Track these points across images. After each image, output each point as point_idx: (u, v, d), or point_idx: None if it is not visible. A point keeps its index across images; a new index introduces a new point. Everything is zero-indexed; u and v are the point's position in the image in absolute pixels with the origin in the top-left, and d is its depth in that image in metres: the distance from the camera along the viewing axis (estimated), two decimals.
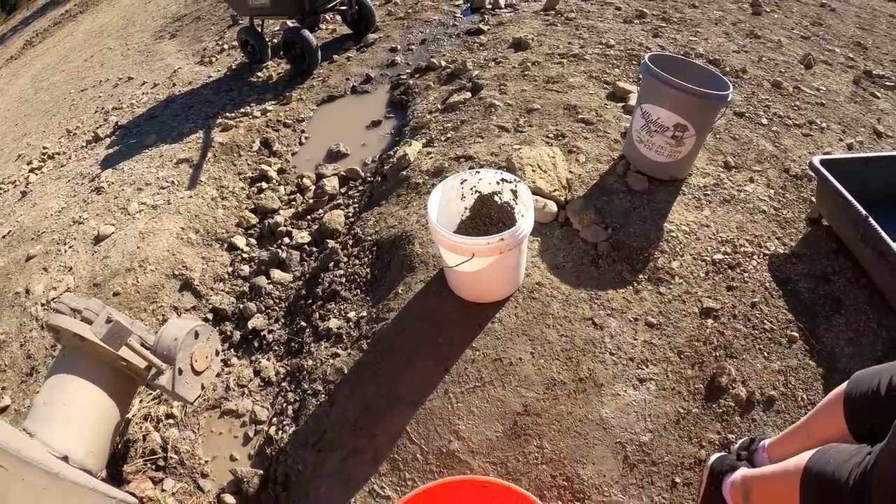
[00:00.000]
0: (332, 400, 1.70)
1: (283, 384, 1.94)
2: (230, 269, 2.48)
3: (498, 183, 1.70)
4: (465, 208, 1.74)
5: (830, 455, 0.93)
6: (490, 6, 3.91)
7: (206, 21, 5.32)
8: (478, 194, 1.73)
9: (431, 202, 1.59)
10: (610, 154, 2.30)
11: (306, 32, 3.47)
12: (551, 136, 2.40)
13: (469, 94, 2.81)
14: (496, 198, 1.70)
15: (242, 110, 3.38)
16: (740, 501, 1.22)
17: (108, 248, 2.50)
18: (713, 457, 1.40)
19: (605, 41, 3.17)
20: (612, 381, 1.58)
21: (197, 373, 1.50)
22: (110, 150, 3.38)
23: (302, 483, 1.62)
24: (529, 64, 2.99)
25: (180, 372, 1.46)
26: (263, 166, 2.93)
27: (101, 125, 3.81)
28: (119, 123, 3.71)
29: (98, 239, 2.56)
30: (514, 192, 1.67)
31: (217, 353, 1.64)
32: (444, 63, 3.27)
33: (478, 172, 1.72)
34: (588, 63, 2.98)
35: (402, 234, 2.10)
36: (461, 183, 1.72)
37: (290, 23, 3.92)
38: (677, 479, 1.42)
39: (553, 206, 1.97)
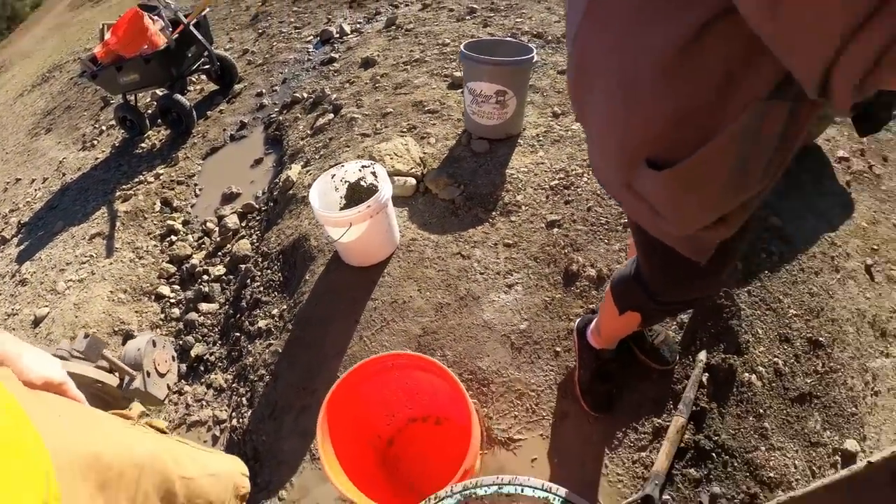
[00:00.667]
0: (276, 377, 2.07)
1: (234, 385, 2.28)
2: (163, 314, 2.77)
3: (360, 170, 2.14)
4: (341, 197, 2.17)
5: (624, 265, 1.35)
6: (338, 35, 4.37)
7: (77, 109, 5.47)
8: (347, 183, 2.16)
9: (312, 197, 2.01)
10: (455, 132, 2.79)
11: (178, 96, 3.79)
12: (405, 129, 2.88)
13: (332, 115, 3.25)
14: (362, 182, 2.14)
15: (137, 179, 3.65)
16: (596, 337, 1.68)
17: (49, 326, 2.74)
18: (577, 321, 1.88)
19: (442, 41, 3.69)
20: (487, 292, 2.05)
21: (161, 375, 1.83)
22: (21, 247, 3.56)
23: (268, 450, 1.97)
24: (379, 77, 3.47)
25: (148, 374, 1.79)
26: (169, 222, 3.23)
27: (3, 228, 3.95)
28: (21, 222, 3.87)
29: (36, 321, 2.78)
30: (374, 174, 2.11)
31: (173, 359, 1.98)
32: (305, 95, 3.69)
33: (342, 166, 2.15)
34: (429, 64, 3.48)
35: (299, 236, 2.50)
36: (332, 177, 2.15)
37: (160, 91, 4.22)
38: (558, 349, 1.89)
39: (412, 181, 2.43)
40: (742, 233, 0.93)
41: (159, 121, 4.11)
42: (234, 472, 1.35)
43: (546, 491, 1.07)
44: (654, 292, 1.17)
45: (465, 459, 1.25)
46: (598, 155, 0.92)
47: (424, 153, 2.64)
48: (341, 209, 2.14)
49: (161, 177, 3.62)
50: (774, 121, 0.70)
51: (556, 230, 2.19)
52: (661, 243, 0.97)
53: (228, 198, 3.28)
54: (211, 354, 2.48)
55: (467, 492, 1.12)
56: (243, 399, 2.15)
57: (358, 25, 4.45)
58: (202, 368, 2.48)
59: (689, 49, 0.65)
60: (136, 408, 1.87)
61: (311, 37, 4.63)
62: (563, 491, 1.08)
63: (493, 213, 2.30)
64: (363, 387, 1.53)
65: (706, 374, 1.69)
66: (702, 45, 0.65)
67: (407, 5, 4.47)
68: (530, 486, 1.10)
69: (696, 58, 0.66)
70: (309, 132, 3.28)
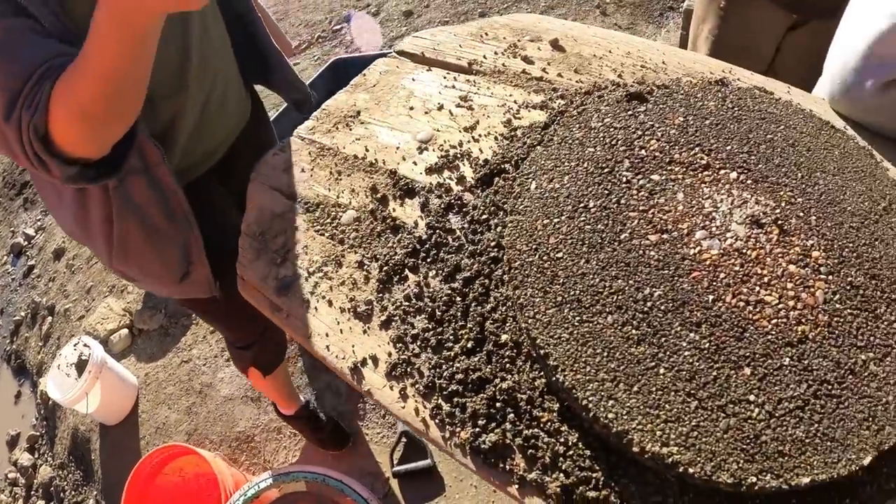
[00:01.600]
0: None
1: None
2: None
3: (74, 349, 2.52)
4: (75, 379, 2.54)
5: None
6: (26, 242, 4.53)
7: None
8: (73, 365, 2.53)
9: (50, 392, 2.37)
10: None
11: None
12: (107, 293, 3.25)
13: (50, 318, 3.51)
14: (83, 357, 2.53)
15: None
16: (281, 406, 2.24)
17: None
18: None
19: None
20: (215, 374, 2.55)
21: None
22: None
23: None
24: (71, 260, 3.76)
25: None
26: None
27: None
28: None
29: None
30: (86, 345, 2.51)
31: None
32: (23, 314, 3.88)
33: (61, 354, 2.52)
34: None
35: (73, 431, 2.82)
36: (59, 368, 2.51)
37: None
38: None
39: (125, 332, 2.85)
40: None
41: None
42: None
43: (323, 475, 1.60)
44: (229, 342, 1.71)
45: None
46: None
47: (128, 303, 3.05)
48: None
49: None
50: None
51: None
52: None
53: (12, 442, 3.45)
54: None
55: (249, 491, 1.62)
56: None
57: (39, 222, 4.63)
58: None
59: None
60: None
61: (5, 256, 4.73)
62: (335, 474, 1.61)
63: None
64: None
65: None
66: None
67: None
68: (308, 472, 1.62)
69: None
70: (41, 344, 3.53)
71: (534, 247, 0.89)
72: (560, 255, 0.87)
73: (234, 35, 1.19)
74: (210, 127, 1.17)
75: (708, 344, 0.77)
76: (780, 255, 0.84)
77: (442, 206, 1.04)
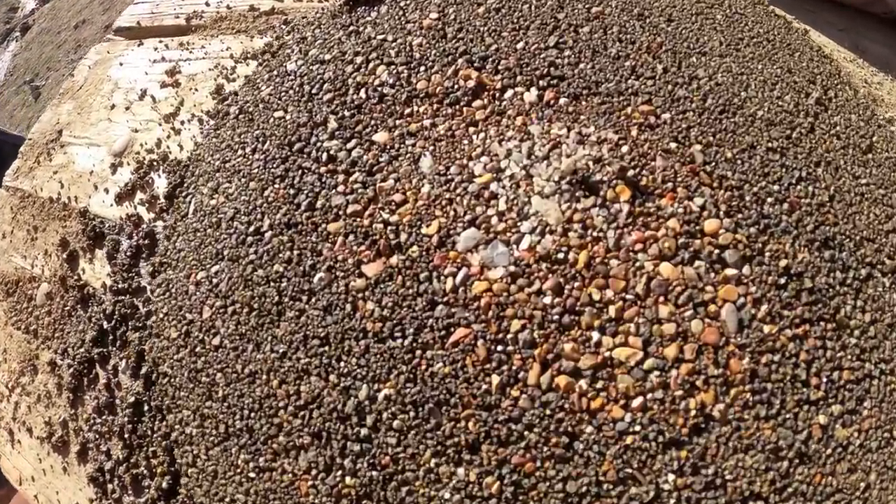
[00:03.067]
0: None
1: None
2: None
3: None
4: None
5: None
6: None
7: None
8: None
9: None
10: None
11: None
12: None
13: None
14: None
15: None
16: None
17: None
18: None
19: None
20: None
21: None
22: None
23: None
24: None
25: None
26: None
27: None
28: None
29: None
30: None
31: None
32: None
33: None
34: None
35: None
36: None
37: None
38: None
39: None
40: None
41: None
42: None
43: None
44: None
45: None
46: None
47: None
48: None
49: None
50: None
51: None
52: None
53: None
54: None
55: None
56: None
57: None
58: None
59: None
60: None
61: None
62: None
63: None
64: None
65: None
66: None
67: None
68: None
69: None
70: None
71: (184, 330, 0.53)
72: (218, 339, 0.51)
73: None
74: None
75: (497, 486, 0.41)
76: (636, 250, 0.45)
77: (130, 251, 0.69)
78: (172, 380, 0.54)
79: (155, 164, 0.74)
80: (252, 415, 0.48)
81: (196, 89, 0.78)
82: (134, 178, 0.75)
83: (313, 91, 0.58)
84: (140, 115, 0.81)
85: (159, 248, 0.62)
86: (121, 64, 0.89)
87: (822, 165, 0.49)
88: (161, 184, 0.72)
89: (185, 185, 0.62)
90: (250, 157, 0.57)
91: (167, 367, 0.55)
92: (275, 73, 0.63)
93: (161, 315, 0.56)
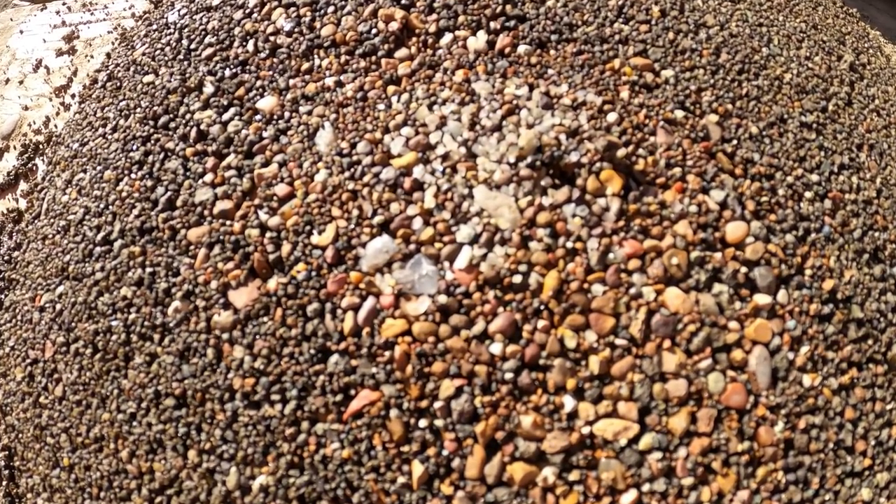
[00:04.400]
0: None
1: None
2: None
3: None
4: None
5: None
6: None
7: None
8: None
9: None
10: None
11: None
12: None
13: None
14: None
15: None
16: None
17: None
18: None
19: None
20: None
21: None
22: None
23: None
24: None
25: None
26: None
27: None
28: None
29: None
30: None
31: None
32: None
33: None
34: None
35: None
36: None
37: None
38: None
39: None
40: None
41: None
42: None
43: None
44: None
45: None
46: None
47: None
48: None
49: None
50: None
51: None
52: None
53: None
54: None
55: None
56: None
57: None
58: None
59: None
60: None
61: None
62: None
63: None
64: None
65: None
66: None
67: None
68: None
69: None
70: None
71: (28, 371, 0.41)
72: (60, 388, 0.39)
73: None
74: None
75: None
76: (629, 269, 0.30)
77: (7, 255, 0.56)
78: (20, 436, 0.42)
79: (40, 146, 0.60)
80: (102, 495, 0.35)
81: (92, 56, 0.64)
82: (18, 163, 0.61)
83: (191, 47, 0.43)
84: (32, 89, 0.67)
85: (6, 260, 0.48)
86: (21, 32, 0.75)
87: (864, 149, 0.33)
88: (42, 171, 0.58)
89: (44, 176, 0.48)
90: (109, 136, 0.43)
91: (14, 418, 0.42)
92: (153, 27, 0.48)
93: (7, 349, 0.43)
